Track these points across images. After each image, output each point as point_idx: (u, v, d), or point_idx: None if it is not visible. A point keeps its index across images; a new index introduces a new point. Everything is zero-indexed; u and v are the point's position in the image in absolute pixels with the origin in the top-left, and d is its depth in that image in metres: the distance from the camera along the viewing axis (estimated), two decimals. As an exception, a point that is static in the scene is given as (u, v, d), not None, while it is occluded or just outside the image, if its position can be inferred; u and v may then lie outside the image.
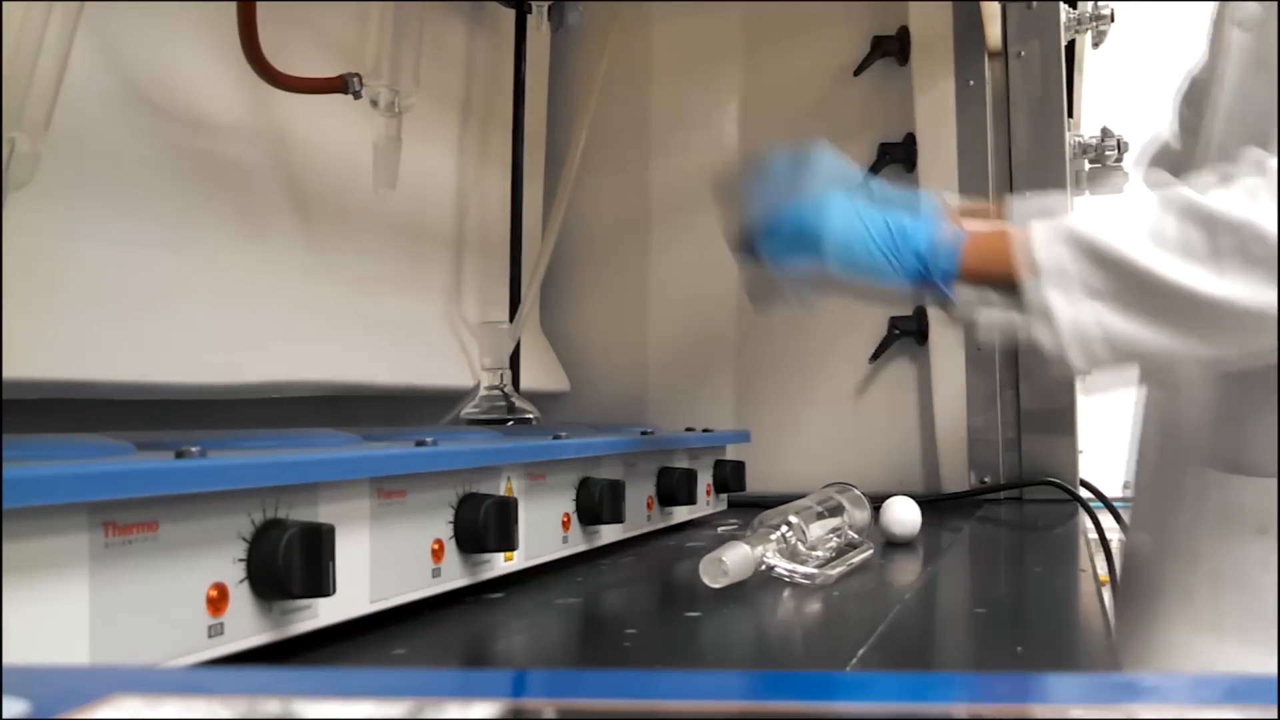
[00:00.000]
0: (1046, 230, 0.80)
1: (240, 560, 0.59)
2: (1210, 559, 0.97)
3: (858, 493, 1.09)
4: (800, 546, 0.91)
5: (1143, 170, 1.22)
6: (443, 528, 0.77)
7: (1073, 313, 0.77)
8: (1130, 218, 0.78)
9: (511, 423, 1.34)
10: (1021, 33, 1.58)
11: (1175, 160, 1.14)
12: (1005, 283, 0.80)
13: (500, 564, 0.84)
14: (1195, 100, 1.11)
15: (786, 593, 0.87)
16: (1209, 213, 0.75)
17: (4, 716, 0.30)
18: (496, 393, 1.38)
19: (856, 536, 0.99)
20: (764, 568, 0.87)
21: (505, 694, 0.32)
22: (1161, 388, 1.06)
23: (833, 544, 0.95)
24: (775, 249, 0.87)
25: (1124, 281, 0.77)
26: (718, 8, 1.73)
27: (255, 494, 0.60)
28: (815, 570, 0.89)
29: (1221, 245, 0.74)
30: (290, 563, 0.60)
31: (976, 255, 0.82)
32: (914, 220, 0.84)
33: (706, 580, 0.83)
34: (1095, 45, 1.86)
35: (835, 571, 0.90)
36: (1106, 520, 1.52)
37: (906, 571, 1.02)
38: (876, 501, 1.46)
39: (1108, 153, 1.69)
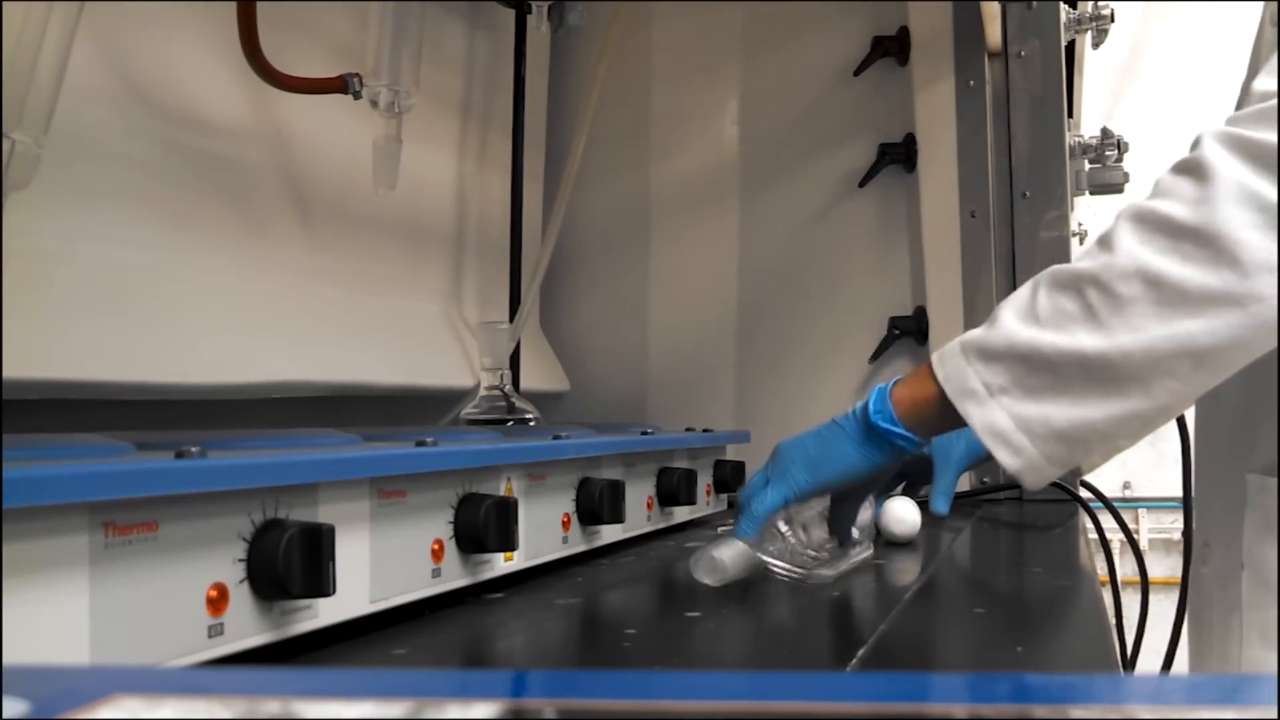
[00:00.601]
0: (945, 348, 0.81)
1: (240, 560, 0.59)
2: (1262, 566, 0.94)
3: None
4: (799, 546, 0.91)
5: None
6: (443, 528, 0.77)
7: (982, 414, 0.77)
8: (1006, 307, 0.78)
9: (511, 423, 1.34)
10: (1021, 33, 1.58)
11: None
12: (940, 410, 0.81)
13: (500, 564, 0.84)
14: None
15: (786, 593, 0.87)
16: (1071, 274, 0.74)
17: (4, 716, 0.30)
18: (496, 393, 1.38)
19: (857, 535, 0.99)
20: (762, 566, 0.87)
21: (505, 694, 0.32)
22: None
23: (832, 544, 0.95)
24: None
25: (1015, 367, 0.76)
26: (718, 8, 1.73)
27: (255, 494, 0.60)
28: (813, 570, 0.89)
29: (1091, 301, 0.73)
30: (290, 563, 0.60)
31: (904, 391, 0.84)
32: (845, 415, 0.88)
33: (703, 578, 0.83)
34: (1095, 45, 1.86)
35: (834, 571, 0.90)
36: (1106, 520, 1.52)
37: (906, 571, 1.02)
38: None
39: (1108, 153, 1.69)
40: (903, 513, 1.11)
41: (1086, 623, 0.82)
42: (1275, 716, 0.29)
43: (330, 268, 1.25)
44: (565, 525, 0.95)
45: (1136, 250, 0.71)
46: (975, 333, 0.79)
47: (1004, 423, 0.77)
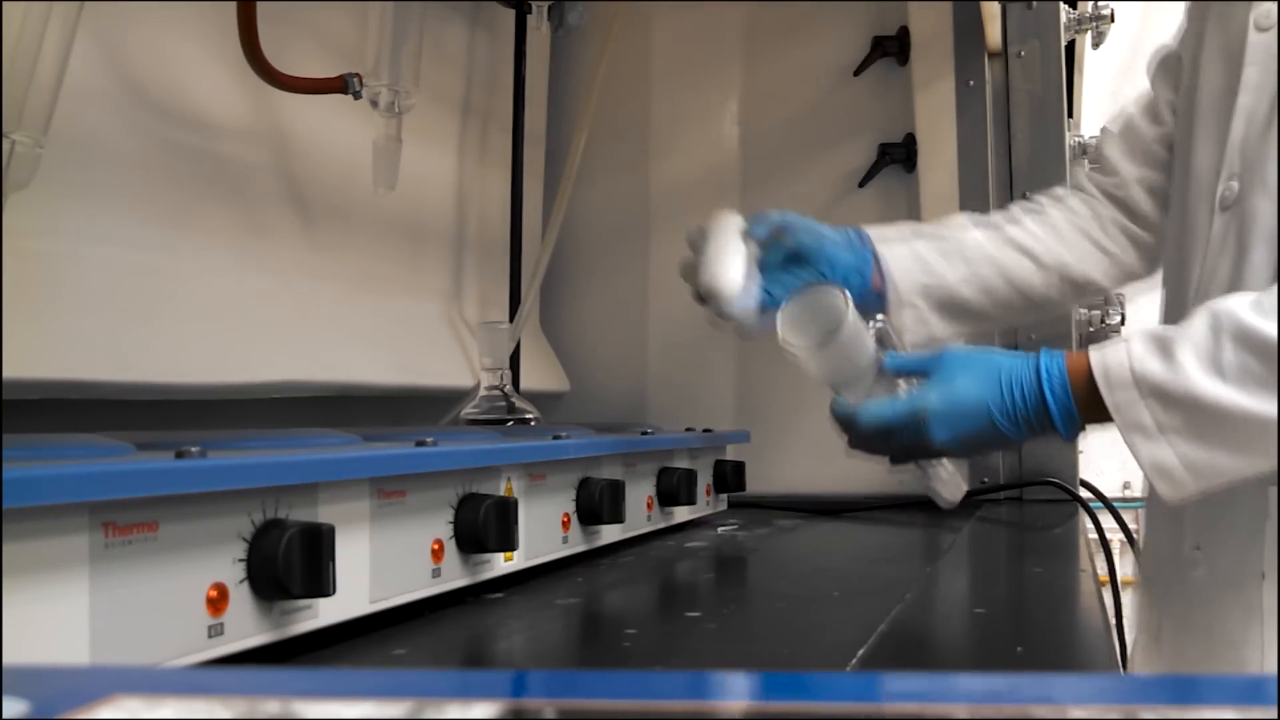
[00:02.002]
0: (1112, 371, 0.84)
1: (240, 560, 0.59)
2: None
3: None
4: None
5: (1097, 151, 1.23)
6: (443, 528, 0.77)
7: (1150, 450, 0.82)
8: (1185, 348, 0.81)
9: (511, 423, 1.34)
10: (1021, 33, 1.58)
11: (1140, 142, 1.14)
12: (1093, 419, 0.86)
13: (500, 564, 0.84)
14: (1173, 80, 1.11)
15: (785, 593, 0.87)
16: (1261, 337, 0.78)
17: (4, 716, 0.30)
18: (496, 393, 1.37)
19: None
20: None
21: (505, 694, 0.32)
22: None
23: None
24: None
25: (1193, 416, 0.81)
26: (718, 8, 1.73)
27: (255, 494, 0.60)
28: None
29: (1277, 369, 0.78)
30: (290, 563, 0.60)
31: (1081, 397, 0.86)
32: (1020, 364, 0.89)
33: (789, 335, 0.88)
34: (1095, 45, 1.86)
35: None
36: (1106, 520, 1.52)
37: (907, 571, 1.02)
38: (880, 502, 1.46)
39: (1108, 153, 1.69)
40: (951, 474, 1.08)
41: (1086, 623, 0.82)
42: (1275, 717, 0.29)
43: (330, 268, 1.25)
44: (565, 525, 0.95)
45: None
46: (1153, 368, 0.82)
47: (1171, 461, 0.82)
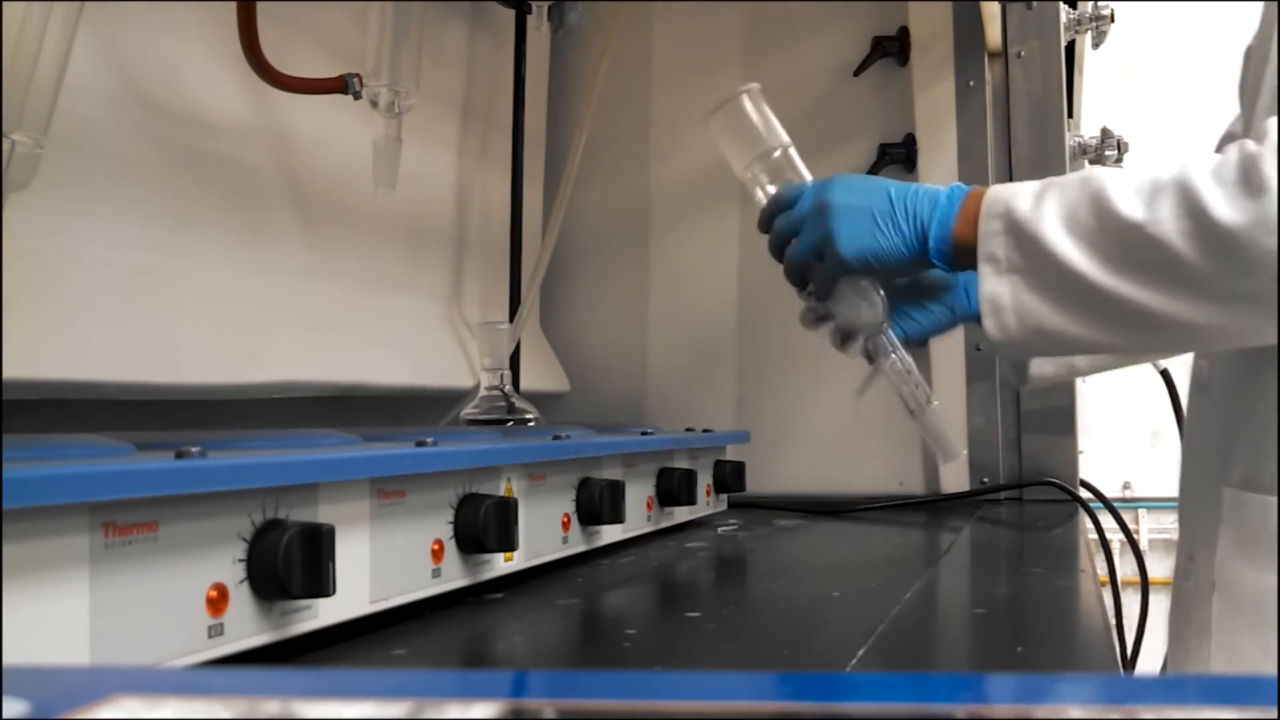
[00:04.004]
0: (994, 200, 0.84)
1: (240, 560, 0.59)
2: (1233, 587, 0.89)
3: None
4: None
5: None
6: (443, 528, 0.77)
7: (992, 284, 0.83)
8: (1052, 198, 0.81)
9: (511, 423, 1.34)
10: (1021, 33, 1.58)
11: None
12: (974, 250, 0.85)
13: (500, 564, 0.84)
14: (1246, 83, 1.08)
15: (785, 593, 0.87)
16: (1113, 208, 0.77)
17: (4, 716, 0.30)
18: (496, 393, 1.37)
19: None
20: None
21: (505, 694, 0.32)
22: (1196, 396, 1.02)
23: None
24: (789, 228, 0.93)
25: (1036, 260, 0.81)
26: (718, 8, 1.73)
27: (255, 494, 0.60)
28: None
29: (1116, 241, 0.77)
30: (290, 563, 0.60)
31: (960, 222, 0.87)
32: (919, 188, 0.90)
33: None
34: (1095, 45, 1.86)
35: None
36: (1106, 520, 1.52)
37: (907, 571, 1.02)
38: (880, 502, 1.46)
39: (1108, 153, 1.69)
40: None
41: (1086, 623, 0.82)
42: (1275, 717, 0.29)
43: (330, 268, 1.25)
44: (565, 525, 0.95)
45: (1169, 225, 0.75)
46: (1022, 206, 0.82)
47: (1004, 298, 0.82)
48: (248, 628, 0.60)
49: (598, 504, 0.97)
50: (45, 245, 0.89)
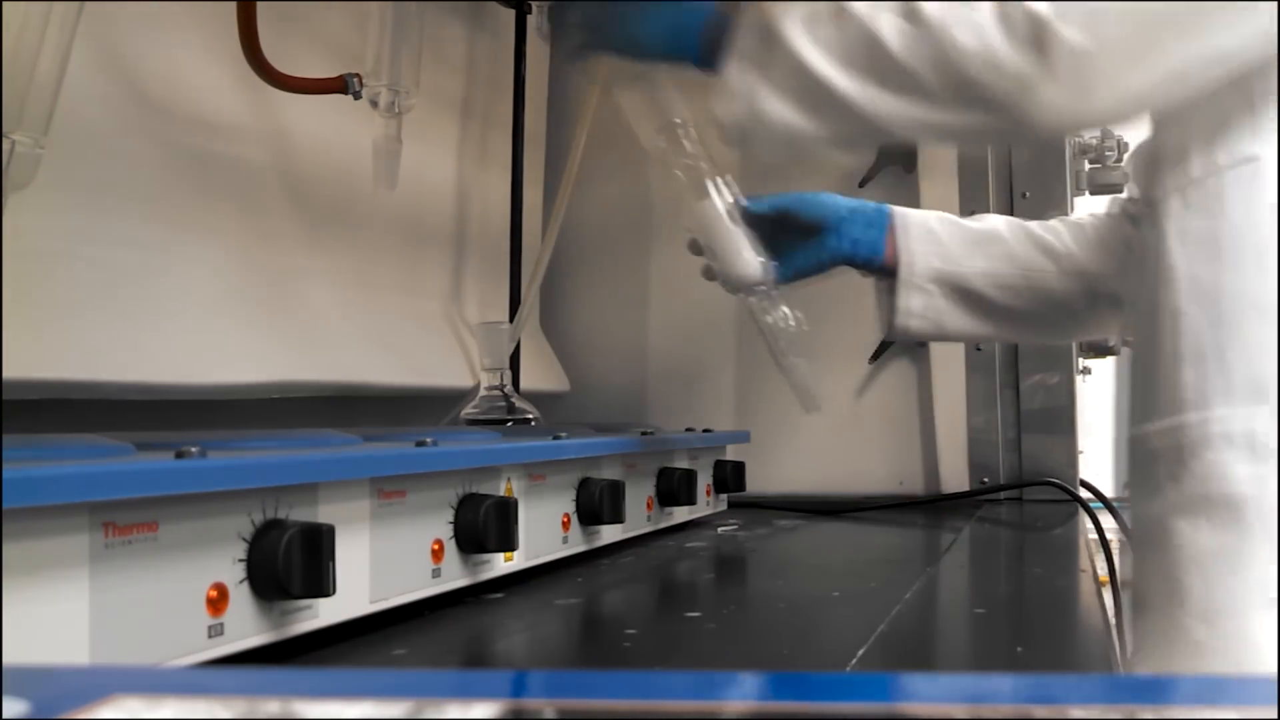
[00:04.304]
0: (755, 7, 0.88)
1: (240, 560, 0.59)
2: (1146, 525, 0.89)
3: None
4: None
5: (1125, 170, 1.23)
6: (443, 528, 0.77)
7: (734, 69, 0.87)
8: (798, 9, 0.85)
9: (511, 423, 1.34)
10: (1021, 33, 1.57)
11: None
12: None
13: (500, 564, 0.84)
14: None
15: (785, 593, 0.87)
16: (860, 21, 0.81)
17: (4, 716, 0.30)
18: (496, 393, 1.37)
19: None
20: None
21: (505, 694, 0.32)
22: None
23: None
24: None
25: (775, 52, 0.84)
26: (718, 8, 1.72)
27: (255, 494, 0.60)
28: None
29: (837, 26, 0.81)
30: (290, 563, 0.60)
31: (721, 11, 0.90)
32: None
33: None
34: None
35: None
36: (1106, 520, 1.52)
37: (907, 571, 1.02)
38: (880, 502, 1.46)
39: (1107, 153, 1.69)
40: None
41: (1086, 623, 0.82)
42: (1275, 717, 0.29)
43: (330, 268, 1.25)
44: (565, 525, 0.95)
45: (882, 12, 0.80)
46: (778, 10, 0.85)
47: (735, 80, 0.87)
48: (248, 628, 0.60)
49: (598, 504, 0.97)
50: (45, 245, 0.89)
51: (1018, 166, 1.56)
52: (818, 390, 1.07)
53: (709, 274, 1.10)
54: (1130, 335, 0.95)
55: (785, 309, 1.04)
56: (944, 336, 1.16)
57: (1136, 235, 1.11)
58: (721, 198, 1.07)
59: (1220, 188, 0.82)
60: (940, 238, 1.11)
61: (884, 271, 1.12)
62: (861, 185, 1.65)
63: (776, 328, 1.04)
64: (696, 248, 1.10)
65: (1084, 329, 1.24)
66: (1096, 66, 0.75)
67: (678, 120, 1.06)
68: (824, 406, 1.65)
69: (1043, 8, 0.75)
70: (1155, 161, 0.87)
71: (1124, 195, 1.18)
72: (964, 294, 1.11)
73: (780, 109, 0.85)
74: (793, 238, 1.10)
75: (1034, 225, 1.14)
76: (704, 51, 0.90)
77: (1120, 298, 1.11)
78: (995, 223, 1.14)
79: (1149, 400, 0.87)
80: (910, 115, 0.81)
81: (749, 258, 1.04)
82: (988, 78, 0.77)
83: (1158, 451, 0.85)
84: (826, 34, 0.82)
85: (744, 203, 1.07)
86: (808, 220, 1.10)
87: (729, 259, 1.05)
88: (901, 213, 1.13)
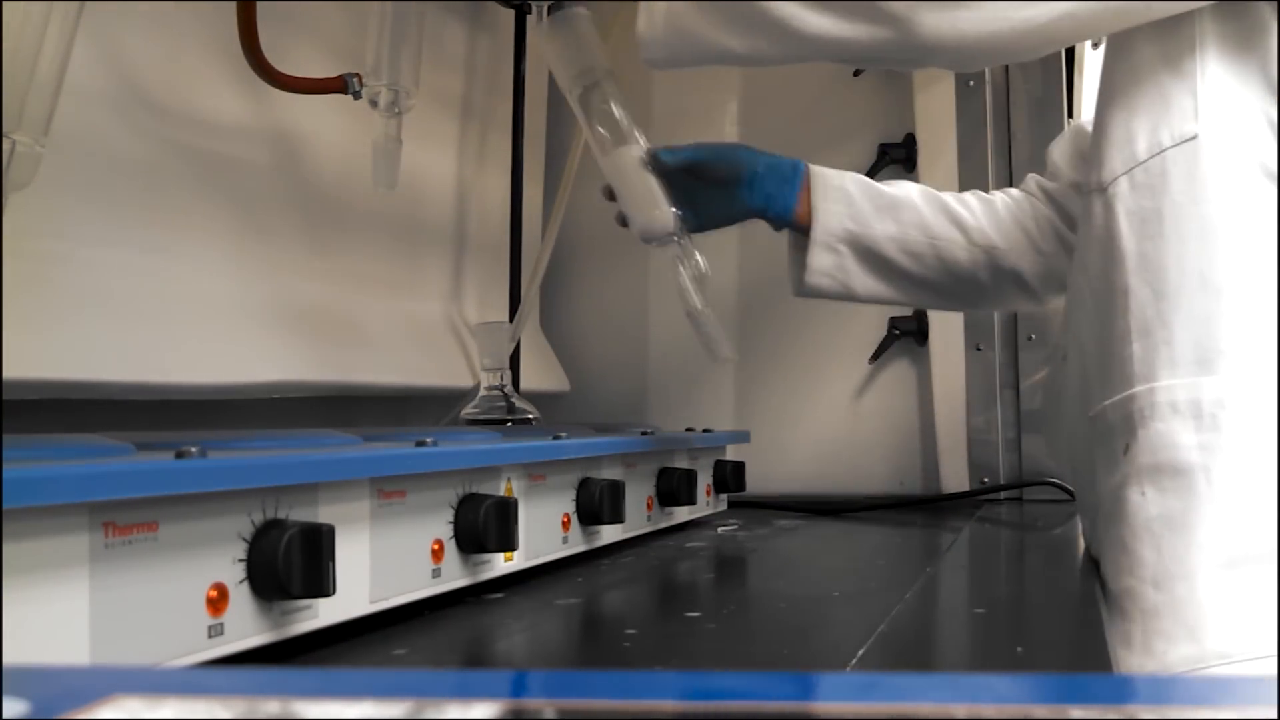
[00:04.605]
0: None
1: (240, 560, 0.59)
2: (1105, 499, 0.89)
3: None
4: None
5: (1047, 152, 1.25)
6: (443, 528, 0.77)
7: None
8: None
9: (511, 423, 1.34)
10: (1021, 33, 1.57)
11: (1084, 148, 1.16)
12: None
13: (500, 564, 0.84)
14: None
15: (785, 593, 0.87)
16: None
17: (4, 716, 0.30)
18: (496, 393, 1.37)
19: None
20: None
21: (505, 694, 0.32)
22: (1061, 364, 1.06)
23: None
24: None
25: None
26: (718, 8, 1.72)
27: (255, 494, 0.60)
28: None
29: None
30: (290, 563, 0.60)
31: None
32: None
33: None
34: (1095, 45, 1.85)
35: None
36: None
37: (907, 571, 1.02)
38: (880, 502, 1.46)
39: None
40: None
41: (1086, 623, 0.82)
42: (1275, 717, 0.29)
43: (330, 268, 1.25)
44: (565, 525, 0.95)
45: None
46: None
47: (658, 9, 0.90)
48: (248, 628, 0.60)
49: (598, 504, 0.97)
50: (45, 245, 0.89)
51: (1018, 166, 1.56)
52: (725, 340, 1.10)
53: (622, 221, 1.12)
54: (1076, 316, 0.97)
55: (698, 258, 1.08)
56: (850, 297, 1.17)
57: (1051, 216, 1.16)
58: (637, 147, 1.10)
59: (1163, 166, 0.84)
60: (854, 199, 1.14)
61: (797, 228, 1.15)
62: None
63: (688, 277, 1.08)
64: (610, 194, 1.12)
65: (989, 301, 1.26)
66: None
67: (597, 67, 1.08)
68: (824, 407, 1.66)
69: None
70: (1104, 145, 0.89)
71: (1042, 177, 1.21)
72: (873, 257, 1.14)
73: (701, 24, 0.88)
74: (707, 189, 1.13)
75: (948, 196, 1.17)
76: None
77: (1024, 276, 1.15)
78: (910, 190, 1.17)
79: (1105, 379, 0.88)
80: (821, 28, 0.85)
81: (662, 208, 1.07)
82: None
83: (1113, 425, 0.87)
84: None
85: (659, 153, 1.10)
86: (722, 173, 1.13)
87: (640, 208, 1.08)
88: (818, 171, 1.15)
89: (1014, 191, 1.21)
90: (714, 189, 1.13)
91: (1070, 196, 1.14)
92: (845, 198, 1.14)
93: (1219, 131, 0.83)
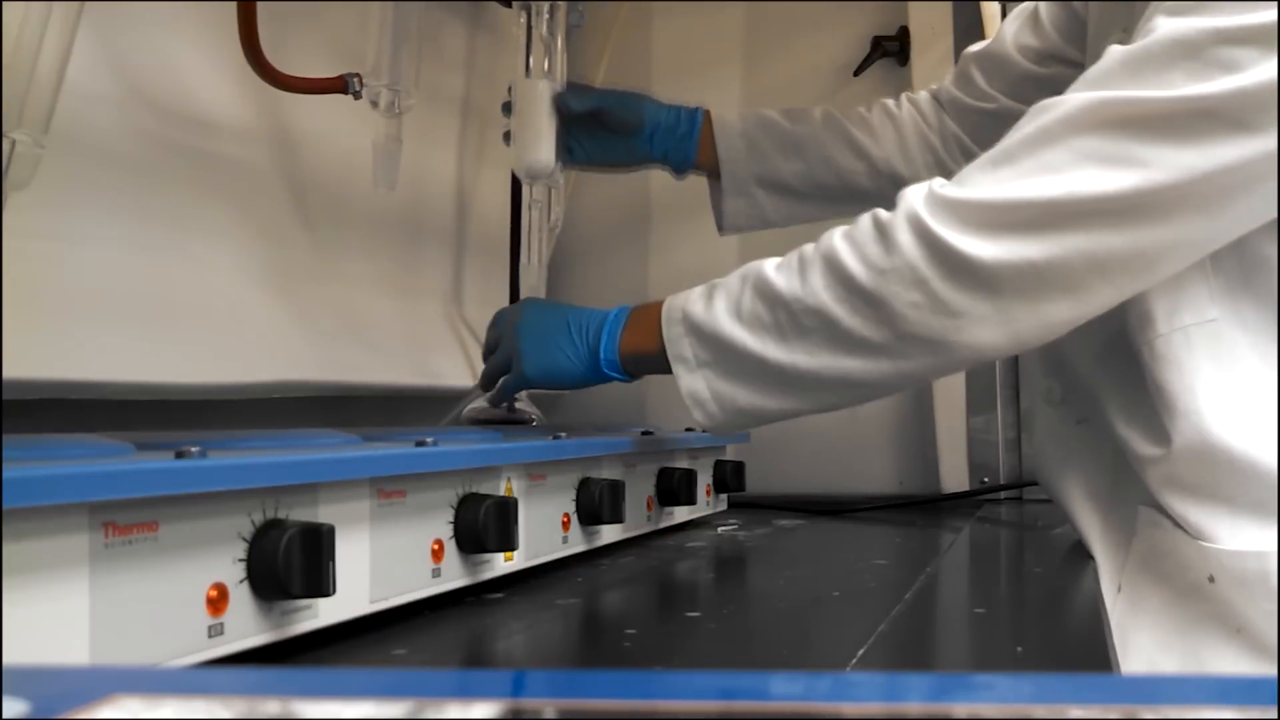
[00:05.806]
0: (671, 311, 0.94)
1: (240, 560, 0.59)
2: (1135, 596, 0.95)
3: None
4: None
5: (962, 63, 1.27)
6: (443, 528, 0.77)
7: (689, 381, 0.92)
8: (721, 295, 0.91)
9: (511, 423, 1.34)
10: (1021, 33, 1.57)
11: (1009, 67, 1.19)
12: (657, 362, 0.95)
13: (500, 564, 0.84)
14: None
15: (786, 594, 0.87)
16: (771, 290, 0.87)
17: (4, 716, 0.30)
18: (496, 393, 1.37)
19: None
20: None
21: (505, 694, 0.32)
22: (1047, 409, 1.11)
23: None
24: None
25: (720, 352, 0.90)
26: (718, 8, 1.73)
27: (255, 494, 0.60)
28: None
29: (780, 320, 0.87)
30: (290, 563, 0.60)
31: (630, 341, 0.98)
32: (594, 313, 1.01)
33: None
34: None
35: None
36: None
37: (907, 571, 1.02)
38: (880, 502, 1.46)
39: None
40: None
41: (1086, 623, 0.82)
42: (1275, 717, 0.29)
43: (330, 267, 1.25)
44: (565, 525, 0.95)
45: (821, 293, 0.85)
46: (697, 309, 0.92)
47: (703, 391, 0.92)
48: (248, 628, 0.60)
49: (598, 504, 0.97)
50: (45, 245, 0.89)
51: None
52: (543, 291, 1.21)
53: (507, 140, 1.18)
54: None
55: (558, 211, 1.19)
56: (770, 226, 1.26)
57: (957, 131, 1.22)
58: (554, 84, 1.15)
59: None
60: (757, 143, 1.22)
61: (707, 171, 1.24)
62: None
63: (539, 224, 1.21)
64: (508, 111, 1.18)
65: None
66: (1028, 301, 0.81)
67: None
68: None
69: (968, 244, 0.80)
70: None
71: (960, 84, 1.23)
72: (781, 189, 1.23)
73: (752, 398, 0.90)
74: (608, 134, 1.21)
75: (852, 123, 1.23)
76: (609, 364, 1.00)
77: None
78: (813, 126, 1.23)
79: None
80: (874, 370, 0.85)
81: (546, 152, 1.13)
82: (929, 323, 0.82)
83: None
84: (756, 316, 0.88)
85: (567, 97, 1.16)
86: (624, 122, 1.20)
87: (529, 143, 1.14)
88: (720, 120, 1.23)
89: (923, 101, 1.25)
90: (616, 135, 1.20)
91: (982, 110, 1.18)
92: (749, 144, 1.21)
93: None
